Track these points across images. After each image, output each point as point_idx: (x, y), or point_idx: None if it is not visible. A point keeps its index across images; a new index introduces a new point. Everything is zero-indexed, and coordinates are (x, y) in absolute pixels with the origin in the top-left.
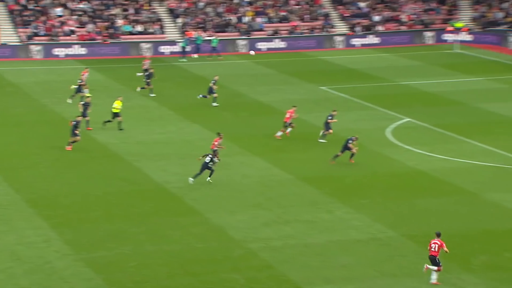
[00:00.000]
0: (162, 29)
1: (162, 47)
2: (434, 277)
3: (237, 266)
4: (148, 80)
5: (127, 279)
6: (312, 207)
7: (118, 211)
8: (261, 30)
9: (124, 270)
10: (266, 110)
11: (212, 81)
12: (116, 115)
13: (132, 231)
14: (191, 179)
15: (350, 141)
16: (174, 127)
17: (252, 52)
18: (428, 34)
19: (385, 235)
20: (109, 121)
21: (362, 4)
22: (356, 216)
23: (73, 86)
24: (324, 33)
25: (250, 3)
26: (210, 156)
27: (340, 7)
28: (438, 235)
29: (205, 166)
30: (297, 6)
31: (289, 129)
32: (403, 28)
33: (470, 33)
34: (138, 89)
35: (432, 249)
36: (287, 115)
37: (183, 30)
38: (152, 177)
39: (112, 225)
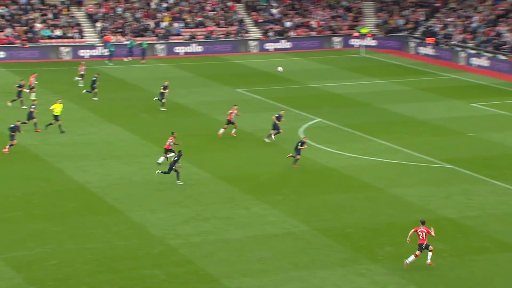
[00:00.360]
0: (81, 34)
1: (82, 51)
2: (429, 258)
3: (157, 262)
4: (94, 85)
5: (48, 277)
6: (230, 204)
7: (39, 211)
8: (178, 34)
9: (45, 269)
10: (185, 111)
11: (162, 86)
12: (56, 118)
13: (53, 230)
14: (178, 182)
15: (299, 144)
16: (94, 128)
17: (280, 69)
18: (336, 39)
19: (298, 230)
20: (50, 124)
21: (274, 11)
22: (271, 212)
23: (26, 90)
24: (239, 38)
25: (167, 9)
26: (176, 156)
27: (254, 13)
28: (423, 223)
29: (172, 167)
30: (212, 12)
31: (233, 130)
32: (313, 33)
33: (374, 39)
34: (84, 91)
35: (420, 237)
36: (229, 114)
37: (102, 35)
38: (73, 177)
39: (33, 225)
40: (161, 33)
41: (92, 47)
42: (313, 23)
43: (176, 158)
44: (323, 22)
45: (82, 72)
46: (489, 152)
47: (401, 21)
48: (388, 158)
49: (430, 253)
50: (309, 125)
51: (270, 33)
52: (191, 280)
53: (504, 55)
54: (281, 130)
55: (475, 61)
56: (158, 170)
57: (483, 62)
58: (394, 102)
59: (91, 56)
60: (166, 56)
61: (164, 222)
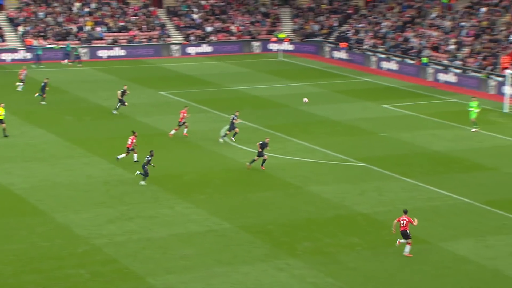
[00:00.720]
0: (2, 37)
1: (3, 54)
2: (406, 250)
3: (82, 262)
4: (44, 90)
5: None
6: (154, 203)
7: None
8: (101, 38)
9: None
10: (109, 114)
11: (121, 90)
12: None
13: None
14: (142, 182)
15: (262, 145)
16: (17, 131)
17: (305, 100)
18: (255, 44)
19: (221, 227)
20: None
21: (195, 16)
22: (195, 210)
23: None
24: (161, 42)
25: (89, 13)
26: (148, 157)
27: (175, 18)
28: (405, 212)
29: (143, 167)
30: (135, 17)
31: (185, 130)
32: (233, 38)
33: (291, 43)
34: (36, 94)
35: (402, 225)
36: (181, 115)
37: (23, 39)
38: None
39: None
40: (84, 37)
41: (14, 50)
42: (233, 28)
43: (149, 158)
44: (243, 27)
45: (21, 77)
46: (399, 151)
47: (316, 27)
48: (306, 157)
49: (408, 246)
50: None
51: (192, 38)
52: (115, 278)
53: (412, 59)
54: (237, 130)
55: (385, 64)
56: (137, 171)
57: (393, 65)
58: (311, 104)
59: (12, 60)
60: (89, 60)
61: (89, 222)
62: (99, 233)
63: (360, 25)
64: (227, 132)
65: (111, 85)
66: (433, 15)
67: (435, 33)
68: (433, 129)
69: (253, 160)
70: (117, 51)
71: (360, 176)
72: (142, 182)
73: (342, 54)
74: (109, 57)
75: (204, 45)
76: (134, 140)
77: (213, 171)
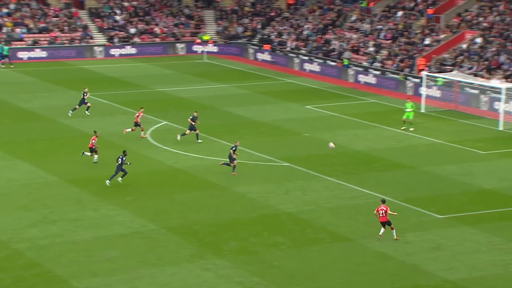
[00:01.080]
0: None
1: None
2: (394, 235)
3: (3, 267)
4: None
5: None
6: (78, 206)
7: None
8: (21, 40)
9: None
10: (30, 116)
11: (83, 93)
12: None
13: None
14: (107, 181)
15: (233, 149)
16: None
17: (331, 145)
18: (180, 45)
19: (147, 229)
20: None
21: (118, 18)
22: (120, 212)
23: None
24: (83, 44)
25: (8, 14)
26: (121, 157)
27: (98, 19)
28: (383, 201)
29: (120, 168)
30: (56, 18)
31: (142, 132)
32: (157, 40)
33: (215, 45)
34: None
35: (381, 215)
36: (136, 116)
37: None
38: None
39: None
40: (3, 38)
41: None
42: (157, 30)
43: (123, 158)
44: (167, 29)
45: None
46: (322, 151)
47: (240, 29)
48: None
49: (393, 231)
50: (156, 128)
51: (115, 39)
52: (38, 282)
53: (333, 61)
54: (198, 131)
55: (307, 66)
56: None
57: (315, 67)
58: (235, 104)
59: None
60: (9, 61)
61: (10, 226)
62: (21, 237)
63: (282, 28)
64: (187, 132)
65: (32, 87)
66: (353, 18)
67: (355, 36)
68: (354, 129)
69: (228, 164)
70: (38, 53)
71: (284, 176)
72: (120, 179)
73: (266, 56)
74: (29, 58)
75: (128, 47)
76: (94, 140)
77: (138, 172)
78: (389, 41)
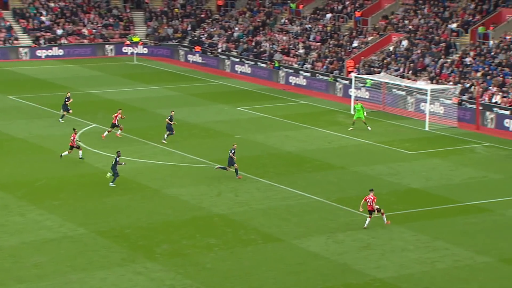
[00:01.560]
0: None
1: None
2: (385, 220)
3: None
4: None
5: None
6: (4, 211)
7: None
8: None
9: None
10: None
11: (66, 98)
12: None
13: None
14: (111, 184)
15: (232, 152)
16: None
17: None
18: (109, 47)
19: (76, 233)
20: None
21: (44, 18)
22: (48, 217)
23: None
24: (8, 45)
25: None
26: (116, 158)
27: (23, 20)
28: (371, 190)
29: (114, 169)
30: None
31: (118, 131)
32: (85, 41)
33: (145, 47)
34: None
35: (369, 204)
36: (114, 117)
37: None
38: None
39: None
40: None
41: None
42: (85, 31)
43: (117, 159)
44: (95, 30)
45: None
46: (254, 152)
47: (170, 31)
48: (162, 160)
49: (383, 216)
50: (85, 130)
51: (41, 41)
52: None
53: (264, 63)
54: (173, 132)
55: (238, 68)
56: (109, 173)
57: (246, 69)
58: (166, 106)
59: None
60: None
61: None
62: None
63: (213, 29)
64: (166, 133)
65: None
66: (283, 20)
67: (285, 38)
68: (286, 130)
69: (225, 168)
70: None
71: (216, 177)
72: (112, 184)
73: (197, 58)
74: None
75: (55, 48)
76: (73, 138)
77: (67, 176)
78: (318, 43)
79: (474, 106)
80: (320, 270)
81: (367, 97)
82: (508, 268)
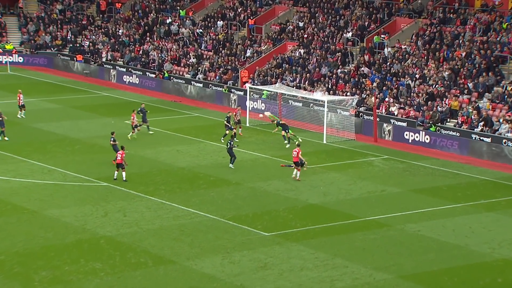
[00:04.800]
0: None
1: None
2: (298, 175)
3: None
4: None
5: None
6: None
7: None
8: None
9: None
10: None
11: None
12: None
13: None
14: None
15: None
16: None
17: (261, 115)
18: None
19: None
20: None
21: None
22: None
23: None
24: None
25: None
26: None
27: None
28: (298, 145)
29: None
30: None
31: (132, 133)
32: None
33: (20, 56)
34: None
35: (294, 156)
36: (131, 119)
37: None
38: None
39: None
40: None
41: None
42: None
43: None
44: None
45: None
46: (143, 169)
47: (48, 38)
48: (42, 179)
49: (298, 172)
50: None
51: None
52: None
53: (153, 73)
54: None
55: (126, 78)
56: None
57: (134, 79)
58: (45, 120)
59: None
60: None
61: None
62: None
63: (96, 37)
64: (145, 124)
65: None
66: (172, 27)
67: (174, 46)
68: (177, 144)
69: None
70: None
71: (103, 196)
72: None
73: (78, 67)
74: None
75: None
76: None
77: None
78: (210, 52)
79: (372, 118)
80: None
81: (263, 108)
82: (407, 285)
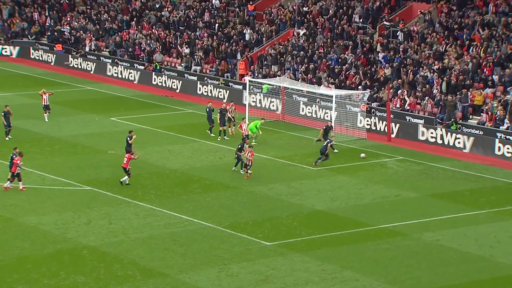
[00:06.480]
0: None
1: None
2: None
3: None
4: None
5: None
6: None
7: None
8: None
9: None
10: None
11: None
12: None
13: None
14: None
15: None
16: None
17: (363, 155)
18: None
19: None
20: None
21: None
22: None
23: None
24: None
25: None
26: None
27: None
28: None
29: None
30: None
31: None
32: None
33: None
34: None
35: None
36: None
37: None
38: None
39: None
40: None
41: None
42: None
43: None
44: None
45: None
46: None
47: (23, 25)
48: (15, 182)
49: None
50: None
51: None
52: None
53: (142, 64)
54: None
55: (111, 70)
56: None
57: (120, 72)
58: (22, 117)
59: None
60: None
61: None
62: None
63: (78, 24)
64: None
65: None
66: (163, 13)
67: (164, 33)
68: (169, 144)
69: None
70: None
71: (86, 202)
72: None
73: (59, 58)
74: None
75: None
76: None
77: None
78: (205, 40)
79: (385, 114)
80: None
81: (263, 104)
82: None
